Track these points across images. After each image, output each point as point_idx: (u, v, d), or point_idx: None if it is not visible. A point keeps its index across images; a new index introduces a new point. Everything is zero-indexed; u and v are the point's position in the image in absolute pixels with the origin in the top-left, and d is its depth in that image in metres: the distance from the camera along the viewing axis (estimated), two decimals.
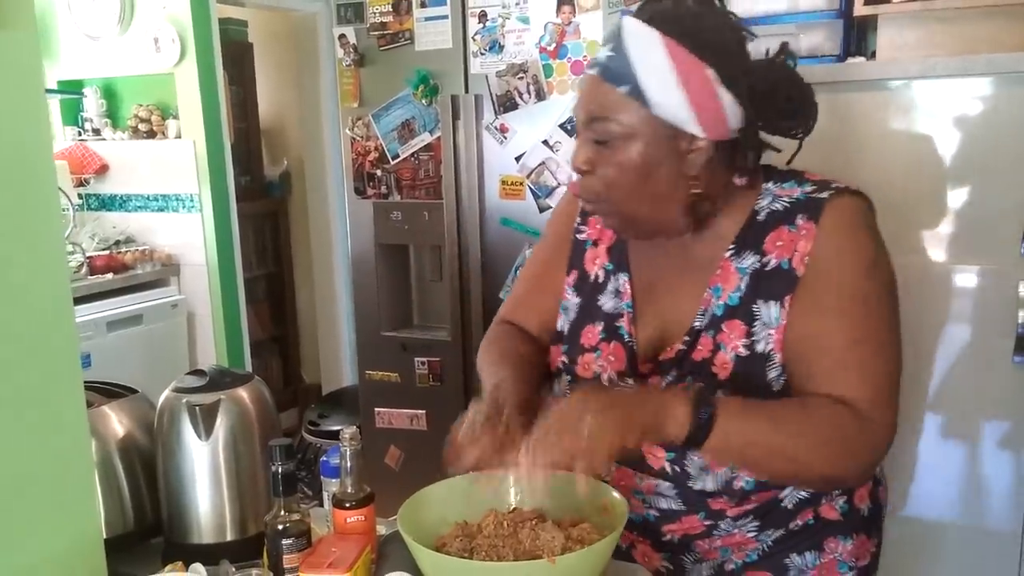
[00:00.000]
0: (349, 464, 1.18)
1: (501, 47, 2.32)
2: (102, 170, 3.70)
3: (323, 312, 4.13)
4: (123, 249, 3.56)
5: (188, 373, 1.30)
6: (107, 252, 3.50)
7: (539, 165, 2.34)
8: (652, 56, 1.00)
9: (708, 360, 1.09)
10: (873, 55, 2.28)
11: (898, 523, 2.27)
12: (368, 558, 1.13)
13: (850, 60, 2.28)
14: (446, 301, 2.48)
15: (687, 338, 1.12)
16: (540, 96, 2.31)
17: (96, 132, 3.70)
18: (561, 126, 2.30)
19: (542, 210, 2.36)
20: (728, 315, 1.09)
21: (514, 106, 2.34)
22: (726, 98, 1.02)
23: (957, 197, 2.12)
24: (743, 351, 1.07)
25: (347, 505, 1.17)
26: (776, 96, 1.05)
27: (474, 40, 2.35)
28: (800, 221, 1.08)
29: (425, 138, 2.46)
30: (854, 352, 1.03)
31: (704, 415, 0.97)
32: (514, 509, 1.23)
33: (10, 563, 1.06)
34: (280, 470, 1.11)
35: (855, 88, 2.20)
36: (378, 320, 2.64)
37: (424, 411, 2.60)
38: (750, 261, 1.09)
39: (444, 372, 2.54)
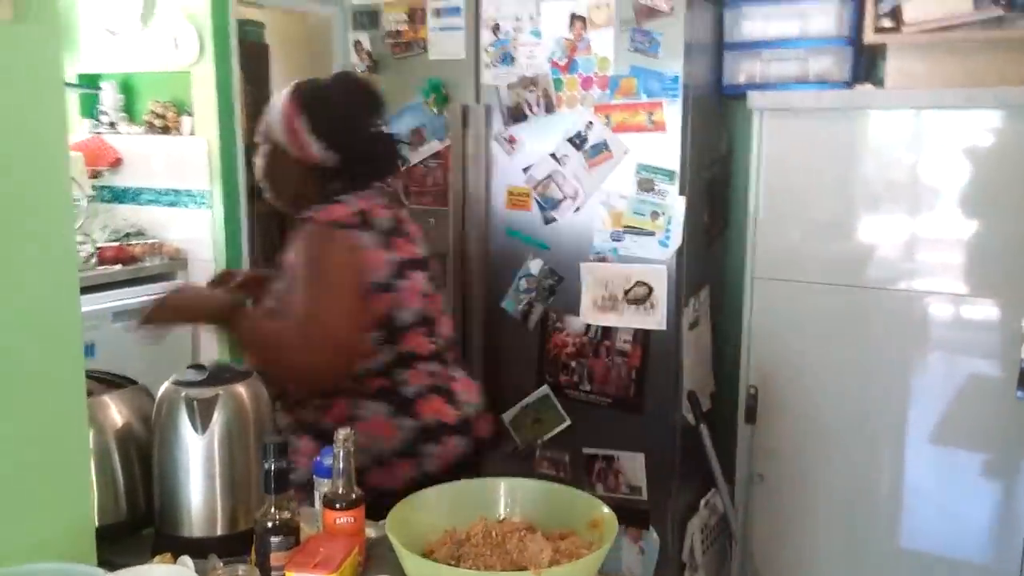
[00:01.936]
0: (342, 465, 1.19)
1: (513, 59, 2.35)
2: (116, 163, 3.73)
3: None
4: (133, 241, 3.59)
5: (188, 367, 1.32)
6: (117, 244, 3.52)
7: (546, 177, 2.36)
8: (278, 105, 1.69)
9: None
10: (882, 83, 2.29)
11: (894, 556, 2.28)
12: (355, 560, 1.14)
13: (858, 87, 2.30)
14: (448, 308, 2.50)
15: None
16: (549, 109, 2.33)
17: (112, 126, 3.73)
18: (569, 140, 2.32)
19: (547, 222, 2.38)
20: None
21: (523, 118, 2.36)
22: (313, 141, 1.67)
23: (963, 229, 2.13)
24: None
25: (337, 506, 1.19)
26: (369, 155, 1.74)
27: (487, 52, 2.38)
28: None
29: (435, 146, 2.48)
30: (289, 299, 1.62)
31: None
32: (504, 519, 1.24)
33: (2, 546, 1.07)
34: (272, 467, 1.13)
35: (862, 116, 2.22)
36: None
37: None
38: None
39: None
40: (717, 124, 2.53)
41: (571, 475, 2.44)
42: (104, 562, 1.22)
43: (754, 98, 2.30)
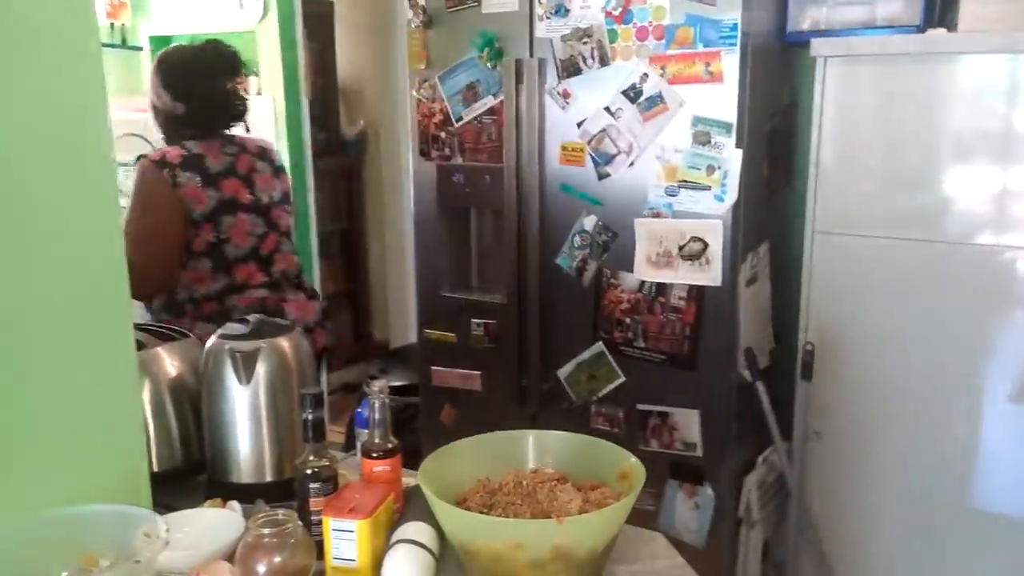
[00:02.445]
0: (377, 416, 1.23)
1: (567, 11, 2.31)
2: None
3: (392, 270, 4.22)
4: None
5: (234, 321, 1.37)
6: None
7: (600, 132, 2.33)
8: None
9: None
10: (955, 27, 2.17)
11: (964, 516, 2.22)
12: (390, 506, 1.18)
13: (930, 31, 2.19)
14: (504, 264, 2.51)
15: None
16: (604, 62, 2.29)
17: None
18: (624, 92, 2.28)
19: (601, 177, 2.35)
20: None
21: (577, 71, 2.32)
22: (163, 93, 2.18)
23: None
24: None
25: (374, 455, 1.23)
26: (211, 108, 2.20)
27: (540, 3, 2.34)
28: None
29: (488, 101, 2.47)
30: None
31: None
32: (536, 470, 1.26)
33: (65, 487, 1.14)
34: (310, 417, 1.17)
35: (933, 60, 2.11)
36: (438, 280, 2.68)
37: (478, 372, 2.65)
38: None
39: (499, 335, 2.58)
40: (779, 74, 2.44)
41: (625, 431, 2.44)
42: (161, 505, 1.29)
43: (817, 45, 2.21)
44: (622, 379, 2.43)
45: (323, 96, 4.25)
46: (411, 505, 1.22)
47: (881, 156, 2.22)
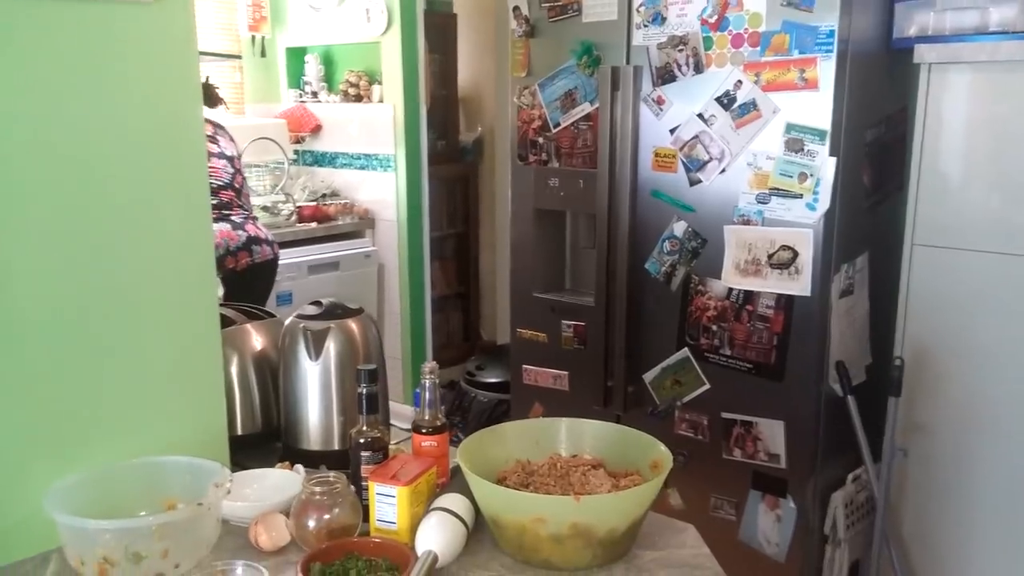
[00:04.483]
0: (428, 395, 1.31)
1: (663, 19, 2.34)
2: (316, 129, 4.10)
3: (501, 272, 4.33)
4: (328, 202, 3.95)
5: (309, 303, 1.49)
6: (314, 203, 3.89)
7: (692, 138, 2.34)
8: None
9: None
10: None
11: None
12: (432, 478, 1.26)
13: None
14: (594, 268, 2.56)
15: None
16: (698, 69, 2.30)
17: (314, 95, 4.10)
18: (717, 99, 2.29)
19: (692, 184, 2.36)
20: None
21: (672, 78, 2.35)
22: None
23: None
24: None
25: (423, 431, 1.31)
26: None
27: (638, 12, 2.38)
28: None
29: (585, 108, 2.53)
30: None
31: None
32: (575, 456, 1.31)
33: (156, 442, 1.30)
34: (365, 391, 1.27)
35: None
36: (531, 282, 2.76)
37: (566, 372, 2.70)
38: None
39: (587, 336, 2.63)
40: (885, 81, 2.38)
41: (709, 439, 2.44)
42: (239, 465, 1.43)
43: (921, 51, 2.15)
44: (707, 386, 2.43)
45: (444, 104, 4.43)
46: (455, 480, 1.30)
47: (988, 167, 2.13)
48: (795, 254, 2.23)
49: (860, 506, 2.44)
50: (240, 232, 2.89)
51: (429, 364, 1.30)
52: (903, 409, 2.24)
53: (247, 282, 2.82)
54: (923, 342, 2.24)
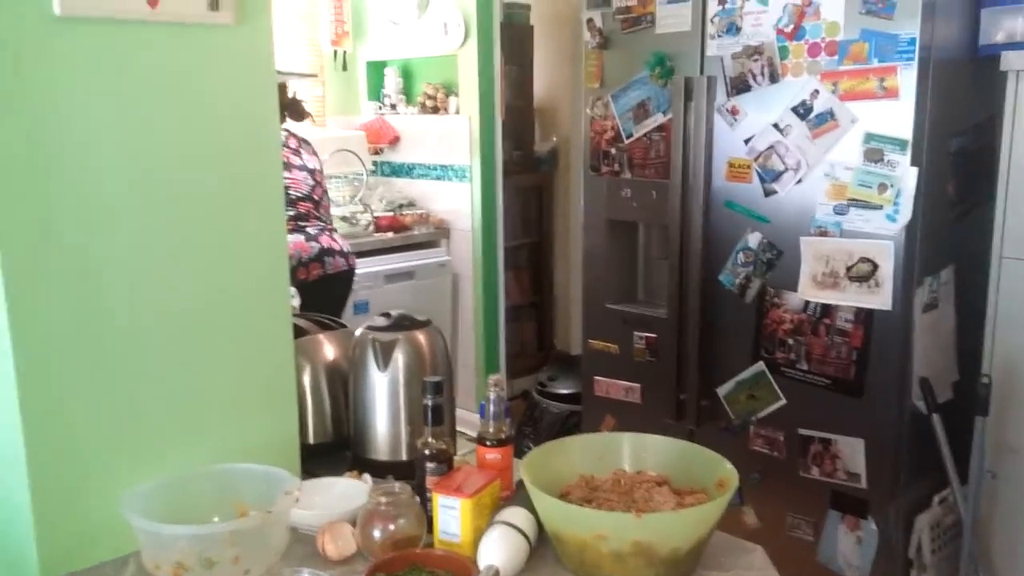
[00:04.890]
0: (492, 408, 1.32)
1: (738, 29, 2.30)
2: (395, 141, 4.18)
3: (574, 282, 4.32)
4: (405, 212, 4.02)
5: (379, 315, 1.52)
6: (391, 214, 3.97)
7: (767, 148, 2.30)
8: None
9: None
10: None
11: None
12: (495, 490, 1.27)
13: None
14: (667, 279, 2.54)
15: None
16: (774, 79, 2.26)
17: (393, 107, 4.19)
18: (793, 109, 2.24)
19: (767, 194, 2.32)
20: None
21: (747, 88, 2.31)
22: None
23: None
24: None
25: (488, 443, 1.32)
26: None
27: (712, 22, 2.36)
28: None
29: (658, 119, 2.51)
30: None
31: None
32: (640, 472, 1.31)
33: (228, 449, 1.34)
34: (431, 403, 1.29)
35: None
36: (604, 292, 2.75)
37: (638, 385, 2.68)
38: None
39: (659, 348, 2.60)
40: (968, 89, 2.29)
41: (785, 455, 2.38)
42: (310, 473, 1.47)
43: (1009, 59, 2.06)
44: (783, 401, 2.37)
45: (520, 114, 4.45)
46: (519, 494, 1.30)
47: None
48: (875, 266, 2.17)
49: (947, 529, 2.34)
50: (313, 244, 2.96)
51: (495, 377, 1.32)
52: (991, 429, 2.15)
53: (321, 293, 2.89)
54: (1012, 359, 2.14)
